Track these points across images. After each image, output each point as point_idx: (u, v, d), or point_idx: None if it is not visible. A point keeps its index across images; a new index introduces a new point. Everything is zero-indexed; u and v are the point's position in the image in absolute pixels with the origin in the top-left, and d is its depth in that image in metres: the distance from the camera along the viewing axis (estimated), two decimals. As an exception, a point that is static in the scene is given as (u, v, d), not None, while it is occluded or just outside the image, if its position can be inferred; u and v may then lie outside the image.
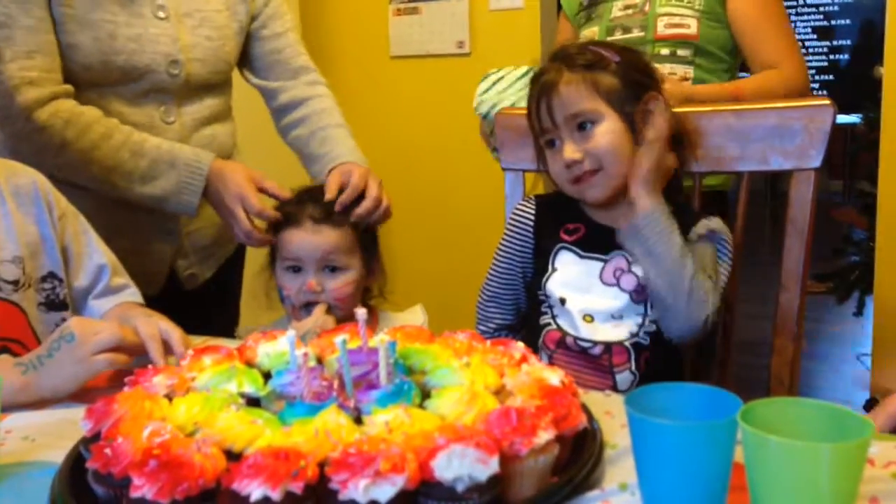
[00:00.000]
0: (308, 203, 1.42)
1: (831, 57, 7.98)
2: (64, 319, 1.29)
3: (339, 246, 1.39)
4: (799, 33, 7.82)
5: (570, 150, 1.27)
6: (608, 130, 1.26)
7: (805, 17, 7.94)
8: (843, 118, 5.03)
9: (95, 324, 1.16)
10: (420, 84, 3.33)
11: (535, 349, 1.30)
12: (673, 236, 1.24)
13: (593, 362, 1.30)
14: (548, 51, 3.21)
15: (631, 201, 1.26)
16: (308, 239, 1.39)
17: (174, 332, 1.19)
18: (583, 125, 1.27)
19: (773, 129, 1.37)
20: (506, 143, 1.59)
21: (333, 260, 1.39)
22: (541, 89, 1.30)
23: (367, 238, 1.45)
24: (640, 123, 1.28)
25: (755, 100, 1.66)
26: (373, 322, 1.43)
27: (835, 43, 7.94)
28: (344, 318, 1.36)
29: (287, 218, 1.42)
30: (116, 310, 1.33)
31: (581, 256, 1.33)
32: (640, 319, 1.28)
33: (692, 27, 1.87)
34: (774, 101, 1.47)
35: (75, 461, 0.85)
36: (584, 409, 0.89)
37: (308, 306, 1.39)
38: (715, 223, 1.30)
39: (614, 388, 1.27)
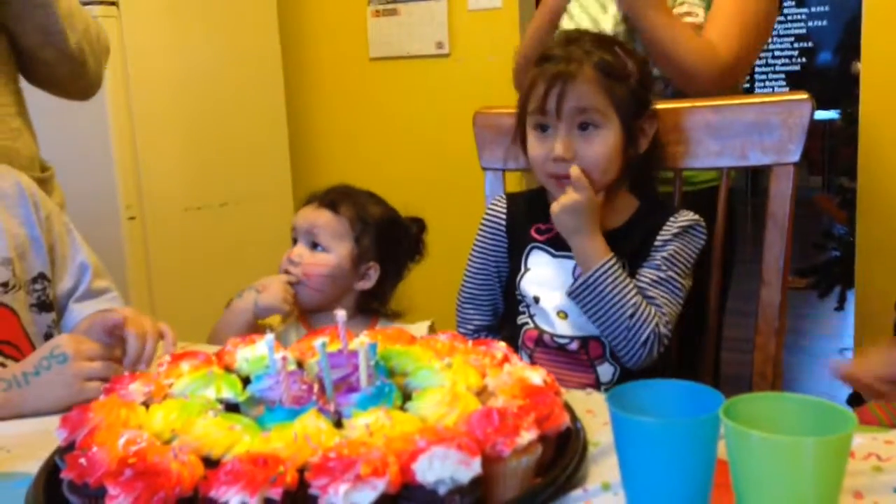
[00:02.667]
0: (329, 192, 1.51)
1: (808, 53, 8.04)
2: (54, 321, 1.27)
3: (327, 226, 1.46)
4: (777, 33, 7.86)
5: (563, 147, 1.25)
6: (607, 139, 1.26)
7: (787, 24, 8.00)
8: (821, 114, 5.06)
9: (89, 347, 1.11)
10: (400, 85, 3.31)
11: (516, 349, 1.30)
12: (629, 286, 1.25)
13: (572, 357, 1.30)
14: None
15: (580, 254, 1.26)
16: (305, 213, 1.49)
17: (169, 332, 1.20)
18: (585, 125, 1.26)
19: (752, 125, 1.37)
20: (485, 143, 1.58)
21: (317, 235, 1.46)
22: (556, 74, 1.25)
23: (371, 238, 1.49)
24: (638, 137, 1.29)
25: (668, 44, 1.57)
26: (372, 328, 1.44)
27: (809, 42, 8.00)
28: (310, 301, 1.45)
29: (308, 199, 1.53)
30: (93, 316, 1.31)
31: (554, 255, 1.33)
32: None
33: (700, 16, 1.84)
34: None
35: (51, 472, 0.83)
36: (567, 407, 0.88)
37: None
38: (689, 218, 1.31)
39: (597, 382, 1.28)
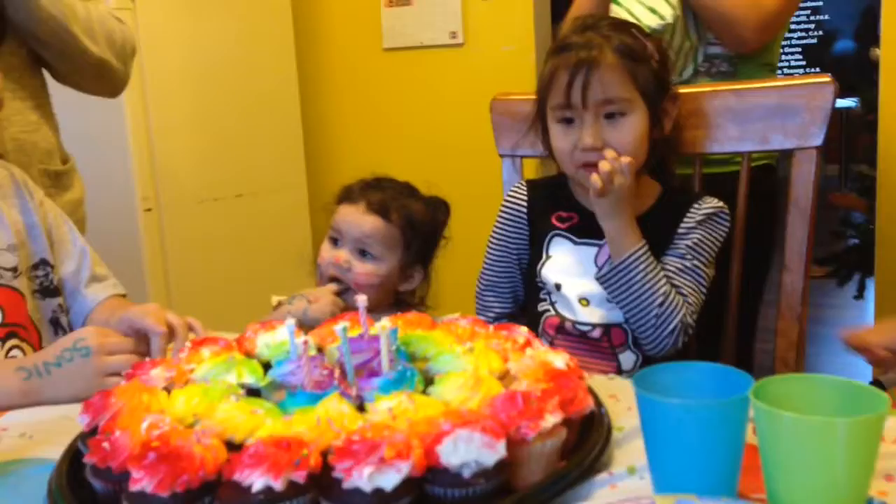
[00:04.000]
0: (373, 190, 1.43)
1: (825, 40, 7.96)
2: (60, 306, 1.28)
3: (380, 235, 1.39)
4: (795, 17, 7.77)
5: (592, 136, 1.23)
6: (635, 125, 1.25)
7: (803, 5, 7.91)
8: (838, 102, 5.01)
9: (113, 342, 1.10)
10: (414, 75, 3.30)
11: (536, 336, 1.29)
12: (659, 273, 1.23)
13: (594, 345, 1.29)
14: (542, 40, 3.18)
15: (614, 238, 1.25)
16: (353, 216, 1.40)
17: (196, 322, 1.19)
18: (611, 113, 1.24)
19: (774, 109, 1.35)
20: (502, 130, 1.57)
21: (369, 245, 1.39)
22: (579, 63, 1.23)
23: (419, 243, 1.43)
24: (663, 118, 1.28)
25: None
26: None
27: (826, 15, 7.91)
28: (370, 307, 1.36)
29: (349, 194, 1.44)
30: (110, 304, 1.31)
31: (575, 243, 1.32)
32: None
33: None
34: (774, 81, 1.46)
35: (73, 456, 0.83)
36: (591, 392, 0.87)
37: (333, 282, 1.40)
38: (713, 205, 1.29)
39: (618, 370, 1.27)
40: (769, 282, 1.62)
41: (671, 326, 1.23)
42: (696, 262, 1.27)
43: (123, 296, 1.40)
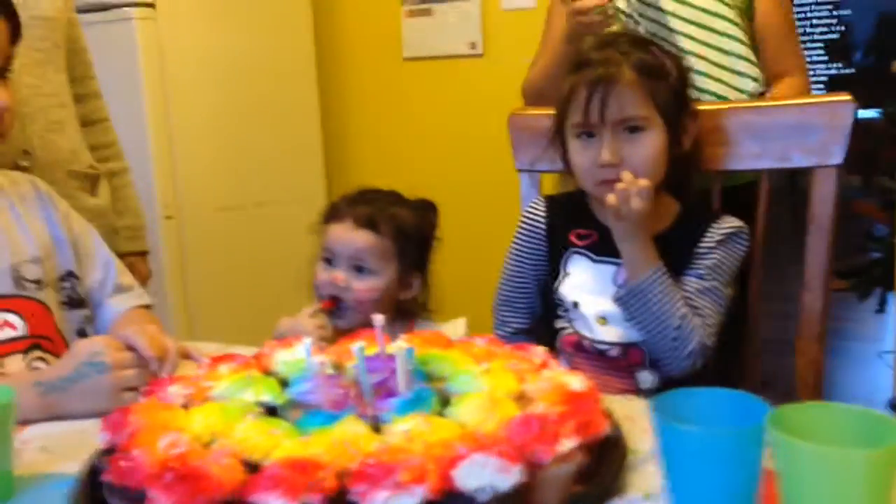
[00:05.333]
0: (359, 205, 1.42)
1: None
2: (86, 317, 1.29)
3: (373, 249, 1.38)
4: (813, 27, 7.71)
5: (610, 153, 1.23)
6: (654, 142, 1.24)
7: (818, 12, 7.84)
8: (861, 113, 4.95)
9: (127, 355, 1.10)
10: (433, 86, 3.31)
11: (553, 353, 1.29)
12: (677, 295, 1.23)
13: (612, 363, 1.29)
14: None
15: (631, 259, 1.24)
16: (344, 234, 1.39)
17: (194, 349, 1.18)
18: (630, 129, 1.24)
19: (794, 126, 1.35)
20: (521, 144, 1.57)
21: (363, 260, 1.38)
22: (597, 80, 1.22)
23: (412, 250, 1.42)
24: (682, 135, 1.28)
25: None
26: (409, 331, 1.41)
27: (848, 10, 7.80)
28: (361, 323, 1.34)
29: (334, 212, 1.43)
30: (132, 315, 1.32)
31: (594, 261, 1.31)
32: None
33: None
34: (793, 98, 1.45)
35: (92, 474, 0.83)
36: (607, 414, 0.87)
37: (334, 301, 1.38)
38: (733, 223, 1.29)
39: (636, 389, 1.26)
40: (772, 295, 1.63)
41: (689, 349, 1.22)
42: (715, 282, 1.27)
43: (149, 306, 1.41)
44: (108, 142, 1.84)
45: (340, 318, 1.38)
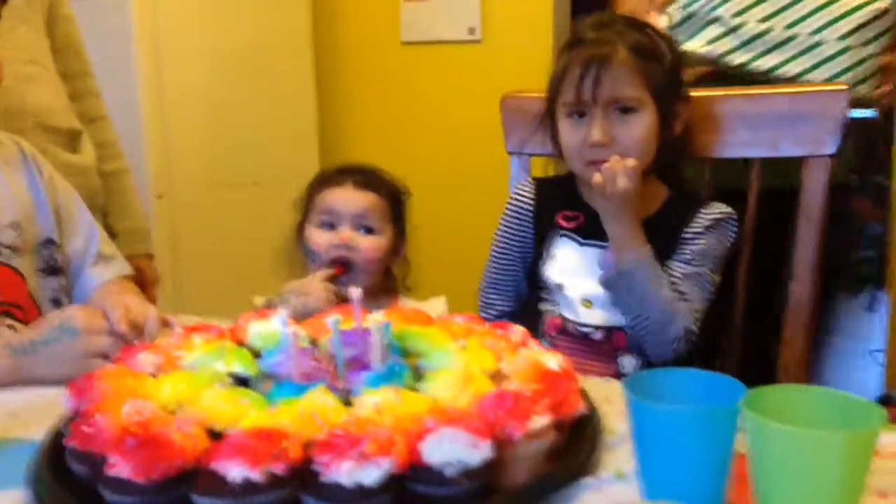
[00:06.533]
0: (352, 173, 1.43)
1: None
2: (62, 286, 1.27)
3: (376, 209, 1.39)
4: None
5: (600, 132, 1.22)
6: (645, 123, 1.23)
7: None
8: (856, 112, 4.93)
9: (101, 323, 1.09)
10: (431, 70, 3.29)
11: (536, 336, 1.28)
12: (663, 279, 1.21)
13: (595, 347, 1.28)
14: (560, 36, 3.15)
15: (618, 241, 1.23)
16: (348, 195, 1.39)
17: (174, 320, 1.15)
18: (621, 110, 1.23)
19: (785, 115, 1.33)
20: (512, 127, 1.55)
21: (369, 219, 1.38)
22: (591, 58, 1.22)
23: (401, 215, 1.44)
24: (673, 120, 1.26)
25: None
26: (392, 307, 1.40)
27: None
28: (365, 289, 1.33)
29: (328, 180, 1.43)
30: (112, 285, 1.30)
31: (581, 244, 1.30)
32: None
33: None
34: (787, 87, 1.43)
35: (56, 439, 0.82)
36: (583, 394, 0.86)
37: (335, 264, 1.36)
38: (720, 210, 1.27)
39: (618, 373, 1.25)
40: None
41: (673, 333, 1.21)
42: (702, 268, 1.25)
43: (131, 277, 1.39)
44: (105, 140, 1.80)
45: (349, 283, 1.35)
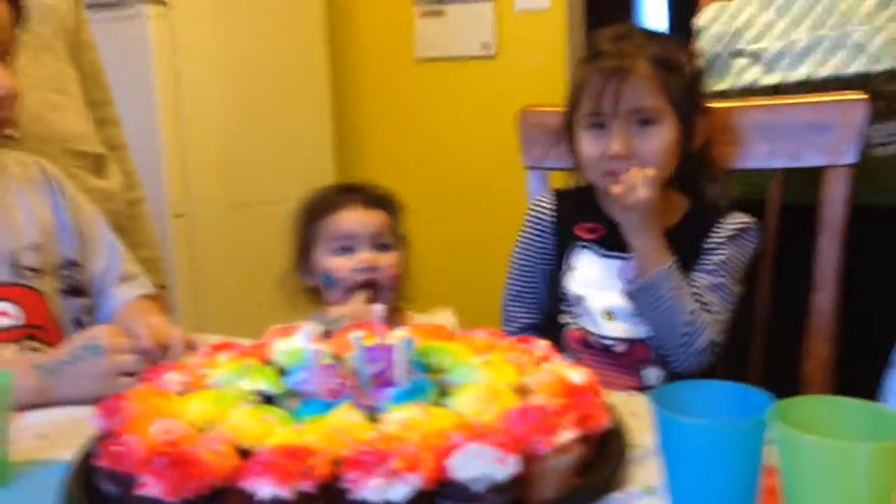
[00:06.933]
0: (353, 193, 1.41)
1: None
2: (84, 306, 1.27)
3: (389, 225, 1.38)
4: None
5: (620, 144, 1.21)
6: (665, 135, 1.23)
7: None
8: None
9: (125, 340, 1.10)
10: (445, 86, 3.30)
11: (559, 349, 1.27)
12: (687, 291, 1.21)
13: (617, 359, 1.27)
14: (575, 52, 3.16)
15: (641, 253, 1.22)
16: (362, 217, 1.37)
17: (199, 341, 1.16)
18: (642, 121, 1.23)
19: (806, 125, 1.33)
20: (530, 141, 1.56)
21: (385, 237, 1.37)
22: (612, 70, 1.21)
23: (402, 230, 1.43)
24: (693, 133, 1.26)
25: None
26: (401, 324, 1.40)
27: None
28: (389, 304, 1.31)
29: (332, 204, 1.40)
30: (137, 305, 1.31)
31: (602, 255, 1.30)
32: None
33: None
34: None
35: (86, 459, 0.83)
36: (609, 408, 0.86)
37: (363, 287, 1.34)
38: (741, 220, 1.28)
39: (641, 386, 1.24)
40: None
41: (698, 345, 1.20)
42: (724, 278, 1.25)
43: (154, 296, 1.40)
44: (125, 170, 1.79)
45: (377, 301, 1.35)
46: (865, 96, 1.30)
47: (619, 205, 1.21)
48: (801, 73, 1.44)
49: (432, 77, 3.32)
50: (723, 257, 1.25)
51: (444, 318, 1.42)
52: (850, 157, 1.30)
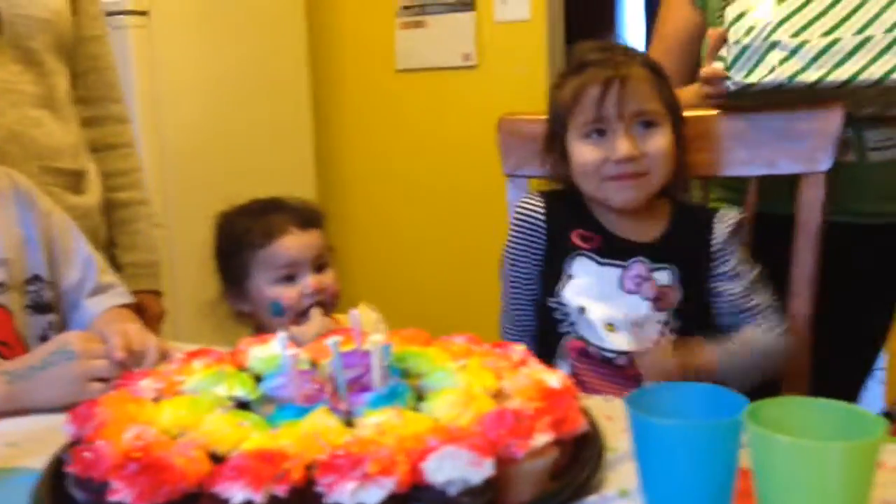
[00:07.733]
0: (279, 213, 1.38)
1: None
2: (50, 323, 1.26)
3: (323, 243, 1.38)
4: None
5: (629, 146, 1.21)
6: (667, 138, 1.24)
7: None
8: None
9: (98, 347, 1.09)
10: (427, 97, 3.31)
11: (550, 360, 1.26)
12: (743, 345, 1.24)
13: (618, 372, 1.25)
14: (555, 63, 3.17)
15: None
16: (299, 241, 1.34)
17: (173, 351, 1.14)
18: (644, 124, 1.23)
19: (781, 133, 1.34)
20: (510, 149, 1.56)
21: (324, 257, 1.37)
22: (610, 77, 1.21)
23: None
24: (681, 139, 1.28)
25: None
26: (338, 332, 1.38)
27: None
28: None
29: (269, 232, 1.36)
30: (110, 315, 1.30)
31: (600, 264, 1.28)
32: (660, 327, 1.25)
33: None
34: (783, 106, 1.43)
35: (58, 466, 0.82)
36: (585, 412, 0.86)
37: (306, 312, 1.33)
38: (734, 215, 1.31)
39: None
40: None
41: (783, 344, 1.27)
42: (751, 273, 1.28)
43: (129, 305, 1.38)
44: (126, 168, 1.72)
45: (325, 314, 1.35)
46: (839, 104, 1.31)
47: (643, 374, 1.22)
48: (847, 73, 1.42)
49: (413, 87, 3.33)
50: (737, 256, 1.28)
51: (366, 313, 1.39)
52: (824, 164, 1.32)
